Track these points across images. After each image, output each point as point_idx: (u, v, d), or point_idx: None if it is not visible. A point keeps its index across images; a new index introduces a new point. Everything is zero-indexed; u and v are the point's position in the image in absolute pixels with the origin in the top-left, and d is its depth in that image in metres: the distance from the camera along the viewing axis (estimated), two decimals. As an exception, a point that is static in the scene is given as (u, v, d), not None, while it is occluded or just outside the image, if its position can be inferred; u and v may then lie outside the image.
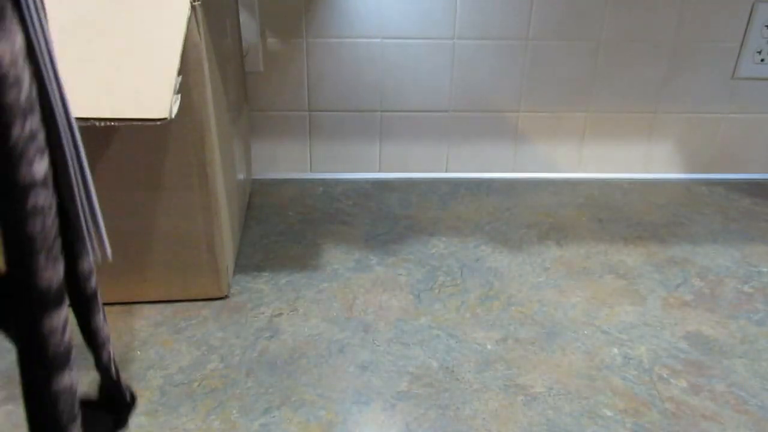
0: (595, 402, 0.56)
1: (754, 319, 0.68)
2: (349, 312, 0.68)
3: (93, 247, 0.34)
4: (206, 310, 0.69)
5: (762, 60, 1.00)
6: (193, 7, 0.56)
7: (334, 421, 0.53)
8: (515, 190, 1.01)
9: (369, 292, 0.72)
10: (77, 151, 0.31)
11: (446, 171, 1.07)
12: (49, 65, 0.28)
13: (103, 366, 0.38)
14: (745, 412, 0.55)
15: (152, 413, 0.54)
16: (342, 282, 0.74)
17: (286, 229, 0.87)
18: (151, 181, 0.63)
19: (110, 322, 0.66)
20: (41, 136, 0.27)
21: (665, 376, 0.59)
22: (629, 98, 1.03)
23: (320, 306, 0.69)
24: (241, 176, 0.86)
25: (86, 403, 0.34)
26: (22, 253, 0.27)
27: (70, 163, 0.30)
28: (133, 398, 0.42)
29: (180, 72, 0.54)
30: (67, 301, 0.30)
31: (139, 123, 0.50)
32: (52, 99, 0.28)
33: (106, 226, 0.35)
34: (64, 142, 0.30)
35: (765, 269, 0.78)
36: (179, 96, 0.55)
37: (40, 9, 0.27)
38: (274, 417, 0.54)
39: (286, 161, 1.05)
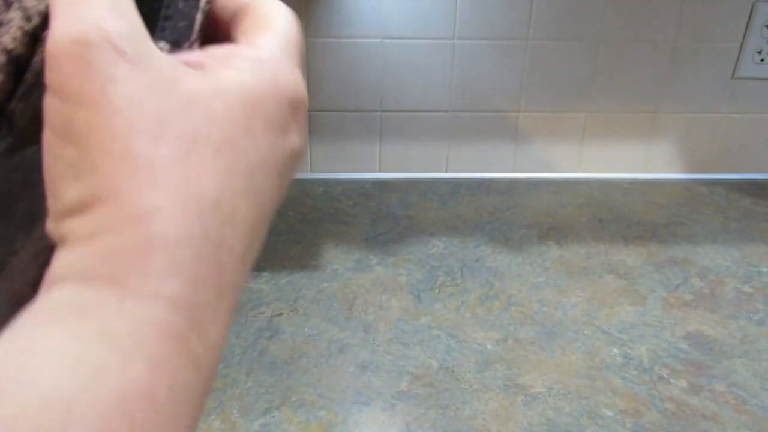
0: (595, 402, 0.56)
1: (754, 319, 0.68)
2: (349, 312, 0.68)
3: None
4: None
5: (762, 60, 1.00)
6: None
7: (334, 421, 0.53)
8: (515, 190, 1.01)
9: (369, 292, 0.72)
10: None
11: (446, 171, 1.07)
12: None
13: None
14: (745, 412, 0.55)
15: (152, 413, 0.54)
16: (342, 282, 0.74)
17: (286, 229, 0.87)
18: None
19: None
20: None
21: (665, 376, 0.59)
22: (629, 98, 1.03)
23: (320, 306, 0.69)
24: (241, 176, 0.85)
25: None
26: None
27: None
28: None
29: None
30: None
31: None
32: None
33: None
34: None
35: (765, 269, 0.78)
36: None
37: None
38: (274, 417, 0.54)
39: (286, 161, 1.05)
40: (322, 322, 0.67)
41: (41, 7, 0.18)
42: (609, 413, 0.54)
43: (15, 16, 0.18)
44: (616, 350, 0.63)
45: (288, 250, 0.81)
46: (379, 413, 0.54)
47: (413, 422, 0.53)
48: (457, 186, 1.03)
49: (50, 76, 0.17)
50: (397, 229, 0.87)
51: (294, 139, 0.21)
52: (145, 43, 0.18)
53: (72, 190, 0.17)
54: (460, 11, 0.95)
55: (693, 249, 0.83)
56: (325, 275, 0.75)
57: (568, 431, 0.52)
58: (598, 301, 0.71)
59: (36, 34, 0.18)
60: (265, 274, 0.75)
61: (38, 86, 0.18)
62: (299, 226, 0.87)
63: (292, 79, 0.21)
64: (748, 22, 0.98)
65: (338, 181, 1.03)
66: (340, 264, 0.78)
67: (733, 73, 1.02)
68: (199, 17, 0.21)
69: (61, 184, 0.17)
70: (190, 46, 0.21)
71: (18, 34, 0.18)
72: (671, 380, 0.59)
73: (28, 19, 0.18)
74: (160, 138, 0.17)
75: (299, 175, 1.05)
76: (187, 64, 0.19)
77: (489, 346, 0.63)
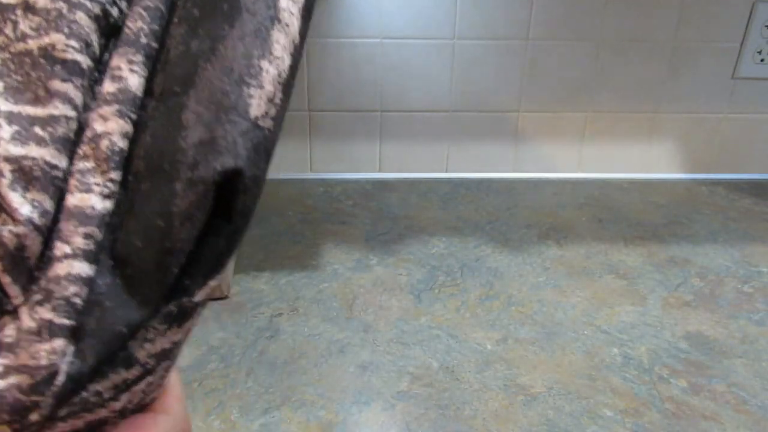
0: (595, 402, 0.56)
1: (754, 319, 0.68)
2: (349, 312, 0.68)
3: None
4: (206, 310, 0.69)
5: (762, 60, 1.00)
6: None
7: (334, 421, 0.53)
8: (515, 190, 1.01)
9: (369, 292, 0.72)
10: None
11: (446, 171, 1.07)
12: None
13: None
14: (745, 412, 0.55)
15: (152, 413, 0.54)
16: (342, 282, 0.74)
17: (286, 229, 0.87)
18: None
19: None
20: None
21: (665, 376, 0.59)
22: (629, 98, 1.03)
23: (320, 306, 0.69)
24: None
25: None
26: None
27: None
28: None
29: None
30: None
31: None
32: None
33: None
34: None
35: (765, 269, 0.78)
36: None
37: None
38: (274, 417, 0.54)
39: (286, 161, 1.05)
40: (322, 322, 0.67)
41: None
42: (609, 413, 0.54)
43: None
44: (616, 350, 0.63)
45: (288, 250, 0.81)
46: (379, 413, 0.54)
47: (413, 422, 0.53)
48: (457, 186, 1.03)
49: None
50: (397, 229, 0.87)
51: None
52: None
53: None
54: (460, 11, 0.95)
55: (693, 249, 0.83)
56: (325, 275, 0.75)
57: (568, 431, 0.52)
58: (598, 301, 0.71)
59: None
60: (265, 274, 0.75)
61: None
62: (299, 226, 0.87)
63: None
64: (748, 22, 0.98)
65: (338, 181, 1.03)
66: (340, 264, 0.78)
67: (733, 73, 1.02)
68: None
69: None
70: None
71: None
72: (671, 380, 0.59)
73: None
74: None
75: (299, 175, 1.05)
76: None
77: (489, 346, 0.63)
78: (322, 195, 0.98)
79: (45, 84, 0.18)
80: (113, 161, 0.19)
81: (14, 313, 0.18)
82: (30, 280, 0.18)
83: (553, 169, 1.08)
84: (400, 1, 0.94)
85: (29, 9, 0.18)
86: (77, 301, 0.18)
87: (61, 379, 0.18)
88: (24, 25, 0.18)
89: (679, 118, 1.05)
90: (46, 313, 0.18)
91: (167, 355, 0.22)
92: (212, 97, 0.19)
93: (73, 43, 0.18)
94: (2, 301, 0.18)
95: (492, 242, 0.84)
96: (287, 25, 0.21)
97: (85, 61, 0.19)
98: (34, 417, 0.18)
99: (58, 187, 0.18)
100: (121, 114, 0.19)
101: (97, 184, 0.19)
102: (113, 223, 0.19)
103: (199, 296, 0.22)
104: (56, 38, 0.18)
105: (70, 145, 0.18)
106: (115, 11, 0.19)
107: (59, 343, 0.18)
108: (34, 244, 0.18)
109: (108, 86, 0.19)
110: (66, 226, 0.18)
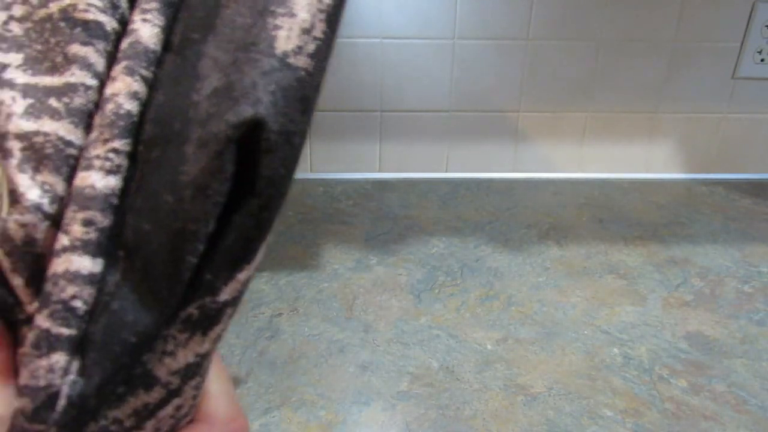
0: (595, 402, 0.56)
1: (754, 319, 0.68)
2: (349, 312, 0.68)
3: None
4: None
5: (762, 60, 1.00)
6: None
7: (334, 421, 0.53)
8: (515, 190, 1.01)
9: (369, 292, 0.72)
10: None
11: (446, 171, 1.07)
12: None
13: None
14: (745, 412, 0.55)
15: (152, 413, 0.54)
16: (342, 282, 0.74)
17: (286, 229, 0.87)
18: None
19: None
20: None
21: (665, 376, 0.59)
22: (629, 98, 1.03)
23: (320, 306, 0.69)
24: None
25: None
26: None
27: None
28: None
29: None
30: None
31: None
32: None
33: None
34: None
35: (765, 269, 0.78)
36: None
37: None
38: (274, 417, 0.54)
39: (286, 161, 1.05)
40: (322, 322, 0.67)
41: None
42: (609, 413, 0.54)
43: None
44: (616, 350, 0.63)
45: (288, 250, 0.81)
46: (379, 413, 0.54)
47: (413, 422, 0.53)
48: (457, 186, 1.02)
49: None
50: (397, 229, 0.87)
51: None
52: None
53: None
54: (460, 11, 0.95)
55: (693, 249, 0.83)
56: (325, 275, 0.75)
57: (568, 431, 0.52)
58: (598, 301, 0.71)
59: None
60: (265, 274, 0.75)
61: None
62: (299, 226, 0.87)
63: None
64: (748, 22, 0.98)
65: (338, 181, 1.03)
66: (340, 264, 0.78)
67: (733, 73, 1.02)
68: None
69: None
70: None
71: None
72: (671, 380, 0.59)
73: None
74: None
75: (299, 175, 1.05)
76: None
77: (489, 346, 0.63)
78: (322, 195, 0.98)
79: (63, 50, 0.15)
80: (117, 127, 0.15)
81: (30, 323, 0.15)
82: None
83: (553, 169, 1.08)
84: (400, 1, 0.94)
85: None
86: (78, 304, 0.15)
87: (62, 403, 0.15)
88: None
89: (679, 118, 1.05)
90: (43, 321, 0.15)
91: (194, 372, 0.18)
92: (232, 36, 0.15)
93: (96, 1, 0.16)
94: (14, 308, 0.15)
95: (492, 242, 0.84)
96: None
97: (109, 22, 0.16)
98: None
99: (72, 167, 0.15)
100: (129, 71, 0.15)
101: (98, 157, 0.15)
102: (122, 206, 0.16)
103: (225, 294, 0.17)
104: None
105: (88, 118, 0.15)
106: None
107: (58, 358, 0.15)
108: (45, 236, 0.15)
109: (122, 43, 0.16)
110: (66, 213, 0.15)
